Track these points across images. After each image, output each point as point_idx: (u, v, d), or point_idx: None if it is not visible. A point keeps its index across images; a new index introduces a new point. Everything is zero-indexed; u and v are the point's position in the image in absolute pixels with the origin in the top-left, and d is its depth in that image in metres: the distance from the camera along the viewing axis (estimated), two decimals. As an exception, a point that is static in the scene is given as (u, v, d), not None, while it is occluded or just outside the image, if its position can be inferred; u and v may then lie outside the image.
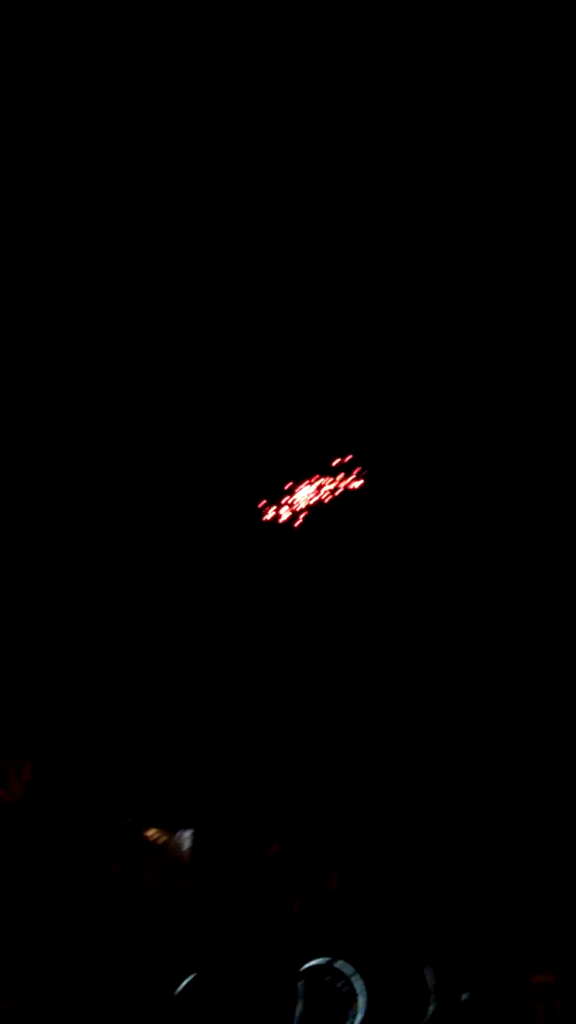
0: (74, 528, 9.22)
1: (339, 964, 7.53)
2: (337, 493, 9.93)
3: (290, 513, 10.00)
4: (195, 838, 8.13)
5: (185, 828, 8.20)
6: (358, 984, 7.44)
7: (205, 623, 9.78)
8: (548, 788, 8.71)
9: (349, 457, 9.95)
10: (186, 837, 8.16)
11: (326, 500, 9.88)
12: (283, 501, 10.03)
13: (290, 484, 10.10)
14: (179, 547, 9.75)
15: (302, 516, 9.99)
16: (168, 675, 9.20)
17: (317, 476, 10.04)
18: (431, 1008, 7.58)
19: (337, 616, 10.02)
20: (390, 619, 10.02)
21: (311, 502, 9.92)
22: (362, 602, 10.07)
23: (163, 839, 8.06)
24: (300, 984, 7.39)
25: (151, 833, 7.98)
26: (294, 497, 9.98)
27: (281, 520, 10.01)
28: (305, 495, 10.00)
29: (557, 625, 9.54)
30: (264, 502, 10.04)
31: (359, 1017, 7.34)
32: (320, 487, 9.90)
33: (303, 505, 9.95)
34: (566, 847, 8.19)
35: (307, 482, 10.08)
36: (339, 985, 7.45)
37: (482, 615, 9.86)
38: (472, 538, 10.02)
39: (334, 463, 10.05)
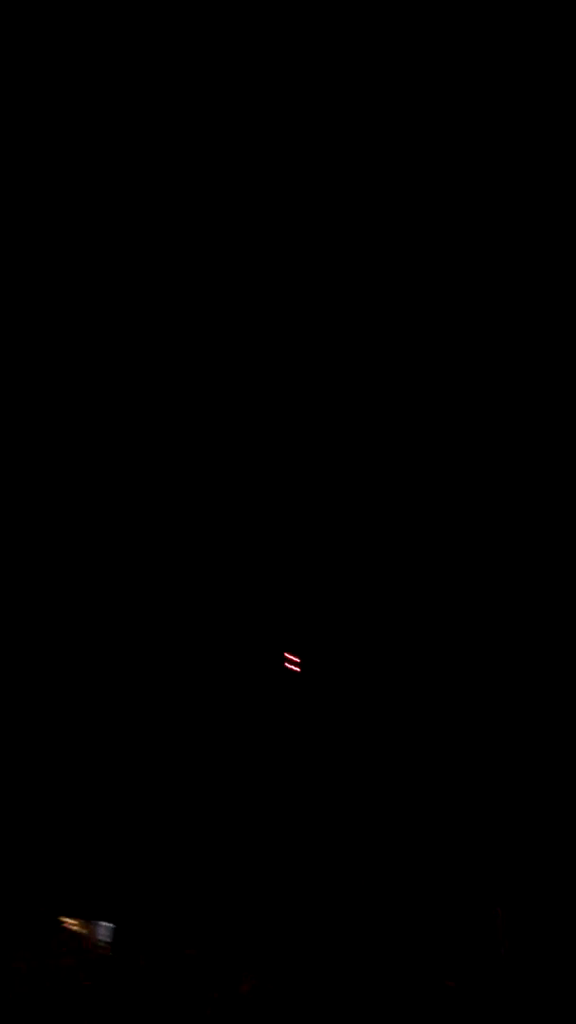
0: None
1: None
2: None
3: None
4: (114, 931, 8.05)
5: (103, 920, 8.11)
6: None
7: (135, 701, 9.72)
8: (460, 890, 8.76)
9: None
10: (104, 929, 8.07)
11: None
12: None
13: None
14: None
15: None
16: (89, 759, 9.11)
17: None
18: None
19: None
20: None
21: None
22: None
23: (81, 931, 7.97)
24: None
25: (68, 923, 7.89)
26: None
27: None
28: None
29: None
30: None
31: None
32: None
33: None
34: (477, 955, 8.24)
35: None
36: None
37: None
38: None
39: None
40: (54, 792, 8.50)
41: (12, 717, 8.49)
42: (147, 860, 8.52)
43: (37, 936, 7.53)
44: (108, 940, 8.06)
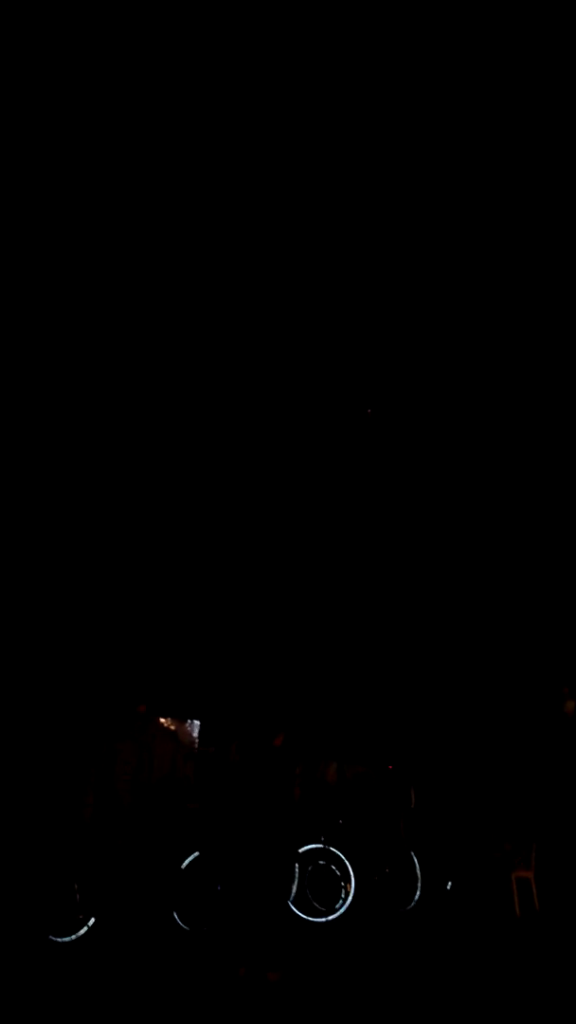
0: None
1: (333, 849, 8.05)
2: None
3: None
4: (204, 727, 8.50)
5: (195, 718, 8.56)
6: (350, 868, 7.98)
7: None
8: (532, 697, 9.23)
9: None
10: (196, 725, 8.52)
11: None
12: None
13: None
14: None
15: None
16: (183, 570, 9.45)
17: None
18: (417, 894, 8.17)
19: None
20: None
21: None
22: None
23: (174, 726, 8.41)
24: (296, 865, 7.89)
25: (163, 720, 8.32)
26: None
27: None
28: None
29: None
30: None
31: (349, 898, 7.89)
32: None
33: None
34: (547, 749, 8.74)
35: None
36: (332, 868, 7.98)
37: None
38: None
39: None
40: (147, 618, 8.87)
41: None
42: (231, 666, 8.95)
43: (138, 729, 7.92)
44: (196, 735, 8.53)
